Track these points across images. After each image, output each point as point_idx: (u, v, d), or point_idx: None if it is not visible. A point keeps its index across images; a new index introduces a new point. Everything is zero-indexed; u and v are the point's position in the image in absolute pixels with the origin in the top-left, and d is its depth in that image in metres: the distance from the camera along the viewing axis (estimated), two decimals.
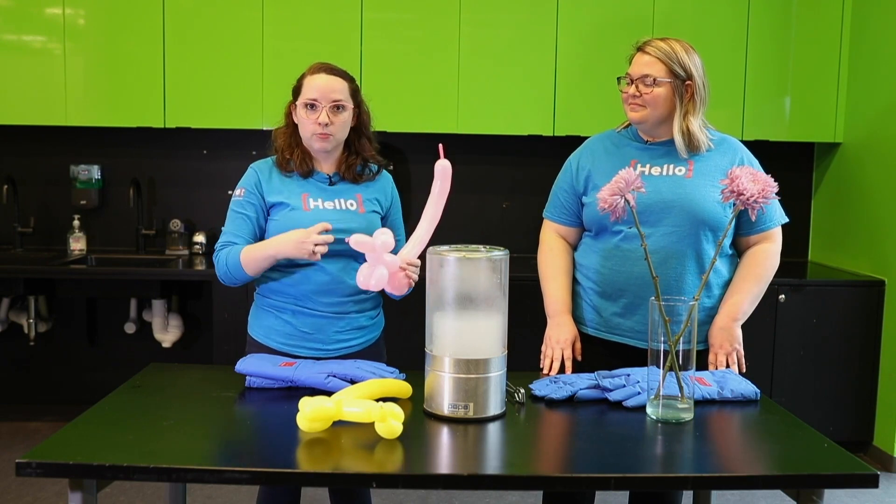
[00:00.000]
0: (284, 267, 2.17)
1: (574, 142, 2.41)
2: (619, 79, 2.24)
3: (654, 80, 2.15)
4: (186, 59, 3.90)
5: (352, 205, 2.21)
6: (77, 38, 3.90)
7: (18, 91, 3.89)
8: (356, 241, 1.91)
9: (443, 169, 1.98)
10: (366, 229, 2.09)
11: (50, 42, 3.89)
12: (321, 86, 2.15)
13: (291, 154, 2.21)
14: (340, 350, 2.22)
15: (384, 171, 2.32)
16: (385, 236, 1.92)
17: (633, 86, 2.17)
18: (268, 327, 2.22)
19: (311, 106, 2.15)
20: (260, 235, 2.21)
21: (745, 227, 2.23)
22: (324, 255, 2.09)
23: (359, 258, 2.08)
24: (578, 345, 2.26)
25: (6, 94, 3.88)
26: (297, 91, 2.21)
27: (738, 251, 2.29)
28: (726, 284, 2.24)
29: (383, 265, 1.94)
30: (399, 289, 2.08)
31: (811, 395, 3.84)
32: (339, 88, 2.17)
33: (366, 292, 2.19)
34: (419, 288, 1.96)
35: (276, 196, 2.19)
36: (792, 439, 1.77)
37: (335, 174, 2.24)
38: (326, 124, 2.14)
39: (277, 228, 2.16)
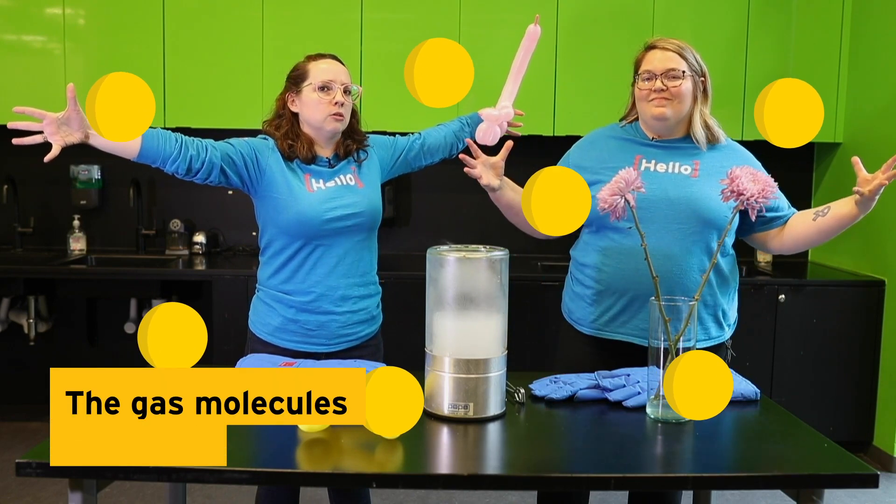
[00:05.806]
0: (300, 266, 2.19)
1: (574, 142, 2.41)
2: (635, 77, 2.21)
3: (683, 72, 2.14)
4: (186, 59, 3.90)
5: (350, 180, 2.24)
6: (77, 38, 3.89)
7: (18, 91, 3.88)
8: (486, 113, 2.31)
9: (532, 31, 2.29)
10: (367, 202, 2.23)
11: (50, 42, 3.89)
12: (332, 69, 2.20)
13: (295, 142, 2.19)
14: (357, 340, 2.26)
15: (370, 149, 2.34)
16: (507, 110, 2.31)
17: (658, 80, 2.15)
18: (291, 331, 2.21)
19: (326, 88, 2.17)
20: (231, 170, 2.13)
21: (766, 223, 2.21)
22: (334, 236, 2.16)
23: (371, 233, 2.26)
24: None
25: (6, 94, 3.87)
26: (299, 78, 2.21)
27: (761, 245, 2.28)
28: (727, 283, 2.24)
29: (497, 125, 2.35)
30: (494, 140, 2.35)
31: (811, 395, 3.84)
32: (346, 73, 2.23)
33: (371, 277, 2.29)
34: (419, 288, 1.96)
35: (279, 174, 2.17)
36: (792, 439, 1.77)
37: (334, 156, 2.25)
38: (342, 104, 2.17)
39: (279, 207, 2.16)
